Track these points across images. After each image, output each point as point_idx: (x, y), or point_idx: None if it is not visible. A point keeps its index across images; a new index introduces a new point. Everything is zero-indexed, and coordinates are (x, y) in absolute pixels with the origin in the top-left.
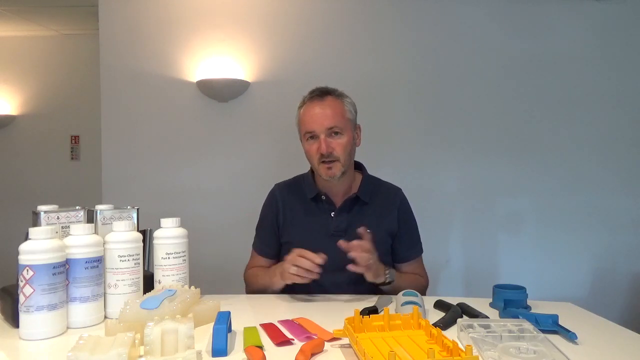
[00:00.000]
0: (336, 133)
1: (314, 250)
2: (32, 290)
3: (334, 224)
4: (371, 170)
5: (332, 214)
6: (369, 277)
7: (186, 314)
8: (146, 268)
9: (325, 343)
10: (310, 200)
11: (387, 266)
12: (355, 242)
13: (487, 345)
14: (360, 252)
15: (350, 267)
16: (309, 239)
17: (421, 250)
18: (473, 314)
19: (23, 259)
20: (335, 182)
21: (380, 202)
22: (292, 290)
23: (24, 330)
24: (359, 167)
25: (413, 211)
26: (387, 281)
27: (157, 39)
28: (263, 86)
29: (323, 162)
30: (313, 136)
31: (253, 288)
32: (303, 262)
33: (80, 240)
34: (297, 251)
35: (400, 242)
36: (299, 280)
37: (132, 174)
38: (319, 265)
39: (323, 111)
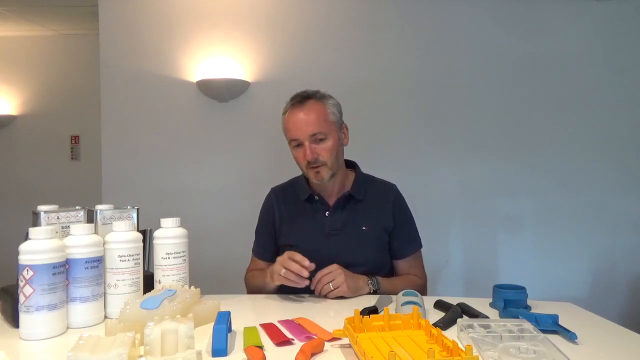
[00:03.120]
0: (321, 139)
1: (311, 250)
2: (32, 290)
3: (328, 223)
4: (371, 170)
5: (327, 213)
6: (347, 295)
7: (186, 314)
8: (146, 268)
9: (325, 343)
10: (304, 201)
11: (370, 276)
12: (318, 274)
13: (487, 345)
14: (322, 284)
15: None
16: (305, 240)
17: (419, 246)
18: (473, 314)
19: (23, 259)
20: (327, 184)
21: (374, 199)
22: (292, 290)
23: (24, 330)
24: (352, 165)
25: (411, 209)
26: (371, 292)
27: (157, 39)
28: (263, 86)
29: (312, 167)
30: (299, 144)
31: (250, 289)
32: (292, 265)
33: (80, 240)
34: (287, 253)
35: (396, 238)
36: (287, 283)
37: (132, 174)
38: (309, 272)
39: (305, 117)
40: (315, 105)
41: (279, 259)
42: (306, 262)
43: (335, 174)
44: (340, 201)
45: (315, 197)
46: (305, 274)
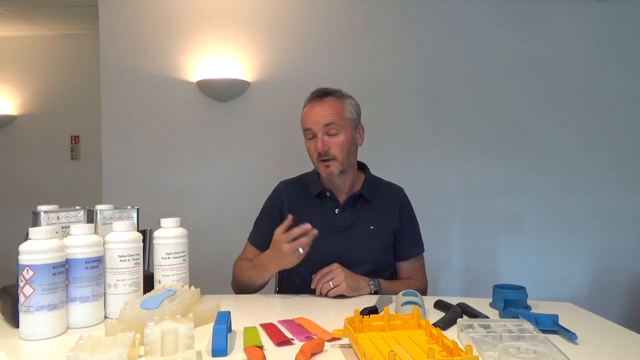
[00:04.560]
0: (334, 133)
1: (317, 246)
2: (32, 290)
3: (338, 220)
4: (372, 170)
5: (336, 210)
6: (347, 293)
7: (186, 314)
8: (146, 268)
9: (325, 343)
10: (314, 197)
11: (371, 277)
12: (318, 274)
13: (487, 345)
14: (322, 282)
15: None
16: None
17: (422, 250)
18: (473, 314)
19: (23, 259)
20: (337, 180)
21: (382, 200)
22: (292, 290)
23: (24, 330)
24: (362, 167)
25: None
26: (372, 292)
27: (157, 39)
28: (263, 86)
29: (322, 160)
30: (313, 136)
31: (238, 280)
32: (302, 241)
33: (80, 240)
34: (280, 239)
35: (401, 239)
36: (305, 251)
37: (132, 174)
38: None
39: (321, 110)
40: (333, 101)
41: (283, 251)
42: (307, 226)
43: (346, 171)
44: (350, 199)
45: (327, 193)
46: (313, 230)
